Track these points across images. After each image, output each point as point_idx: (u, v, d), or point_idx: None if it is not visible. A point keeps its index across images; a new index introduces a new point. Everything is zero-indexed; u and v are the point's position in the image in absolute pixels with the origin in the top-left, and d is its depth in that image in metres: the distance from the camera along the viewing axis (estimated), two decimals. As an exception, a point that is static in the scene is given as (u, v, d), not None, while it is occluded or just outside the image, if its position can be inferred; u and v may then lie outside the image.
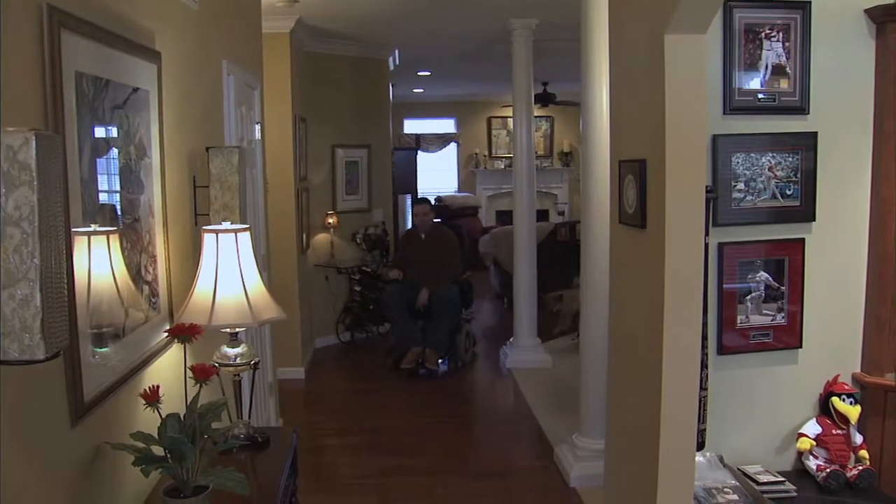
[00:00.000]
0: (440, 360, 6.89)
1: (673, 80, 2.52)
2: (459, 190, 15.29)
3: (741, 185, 3.08)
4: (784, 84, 3.10)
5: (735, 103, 3.07)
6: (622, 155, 2.98)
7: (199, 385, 2.13)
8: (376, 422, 5.58)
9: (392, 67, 8.70)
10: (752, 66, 3.08)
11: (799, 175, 3.12)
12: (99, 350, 2.10)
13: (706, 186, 2.68)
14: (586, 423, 4.42)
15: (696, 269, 2.62)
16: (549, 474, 4.57)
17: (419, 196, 11.09)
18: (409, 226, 10.00)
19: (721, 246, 3.09)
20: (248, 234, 2.66)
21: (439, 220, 10.13)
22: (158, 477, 2.32)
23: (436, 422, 5.56)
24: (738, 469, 3.10)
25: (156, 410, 2.05)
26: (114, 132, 2.27)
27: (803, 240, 3.17)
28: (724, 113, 3.07)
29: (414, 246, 7.18)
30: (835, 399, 3.15)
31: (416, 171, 12.89)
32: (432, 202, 13.80)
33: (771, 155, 3.10)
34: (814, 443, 3.16)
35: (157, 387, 2.06)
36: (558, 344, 7.26)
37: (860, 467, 3.09)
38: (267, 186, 4.93)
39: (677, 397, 2.63)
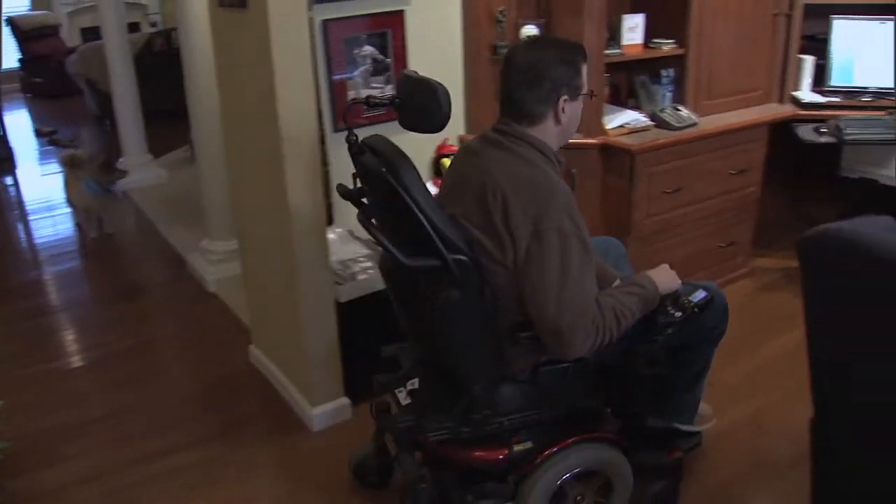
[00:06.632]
0: None
1: None
2: (33, 8, 13.46)
3: (341, -41, 3.03)
4: None
5: None
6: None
7: None
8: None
9: None
10: None
11: (393, -55, 3.14)
12: None
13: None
14: (213, 226, 4.34)
15: (302, 44, 2.58)
16: (185, 284, 4.46)
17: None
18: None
19: (325, 23, 3.05)
20: None
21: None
22: None
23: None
24: (369, 239, 3.26)
25: None
26: None
27: (402, 11, 3.24)
28: None
29: None
30: (444, 160, 3.40)
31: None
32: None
33: (363, -76, 3.06)
34: (431, 203, 3.41)
35: None
36: (171, 157, 6.94)
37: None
38: None
39: (300, 173, 2.66)
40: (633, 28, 3.59)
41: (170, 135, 7.16)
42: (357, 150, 2.09)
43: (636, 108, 3.70)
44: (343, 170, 3.18)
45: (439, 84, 1.99)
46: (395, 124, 3.28)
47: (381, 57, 3.18)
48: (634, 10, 3.66)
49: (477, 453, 2.16)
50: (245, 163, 3.02)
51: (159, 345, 3.91)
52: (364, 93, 3.17)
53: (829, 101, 3.99)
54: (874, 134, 3.70)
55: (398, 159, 1.97)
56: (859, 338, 1.64)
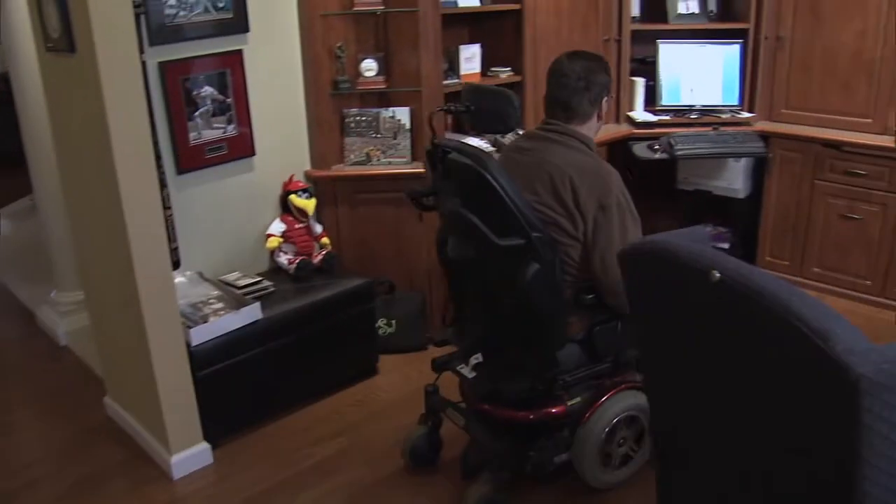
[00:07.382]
0: None
1: None
2: None
3: (172, 1, 3.01)
4: None
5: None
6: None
7: None
8: None
9: None
10: None
11: (228, -14, 3.14)
12: None
13: (133, 0, 2.56)
14: (61, 276, 4.18)
15: (135, 87, 2.55)
16: (35, 340, 4.27)
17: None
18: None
19: (162, 65, 3.02)
20: None
21: None
22: None
23: None
24: (220, 280, 3.23)
25: None
26: None
27: (241, 51, 3.25)
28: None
29: None
30: (292, 196, 3.42)
31: None
32: None
33: (193, -34, 3.05)
34: (281, 240, 3.42)
35: None
36: (15, 207, 6.64)
37: (323, 252, 3.45)
38: None
39: (140, 219, 2.62)
40: (471, 58, 3.72)
41: (13, 183, 6.85)
42: (441, 153, 2.40)
43: (478, 134, 3.81)
44: (190, 216, 3.16)
45: (509, 90, 2.46)
46: (232, 165, 3.30)
47: (221, 97, 3.17)
48: (472, 41, 3.80)
49: (539, 411, 2.50)
50: (85, 210, 2.94)
51: (6, 406, 3.71)
52: (207, 134, 3.16)
53: (660, 120, 4.25)
54: (701, 148, 3.96)
55: (484, 155, 2.31)
56: (673, 343, 1.75)
